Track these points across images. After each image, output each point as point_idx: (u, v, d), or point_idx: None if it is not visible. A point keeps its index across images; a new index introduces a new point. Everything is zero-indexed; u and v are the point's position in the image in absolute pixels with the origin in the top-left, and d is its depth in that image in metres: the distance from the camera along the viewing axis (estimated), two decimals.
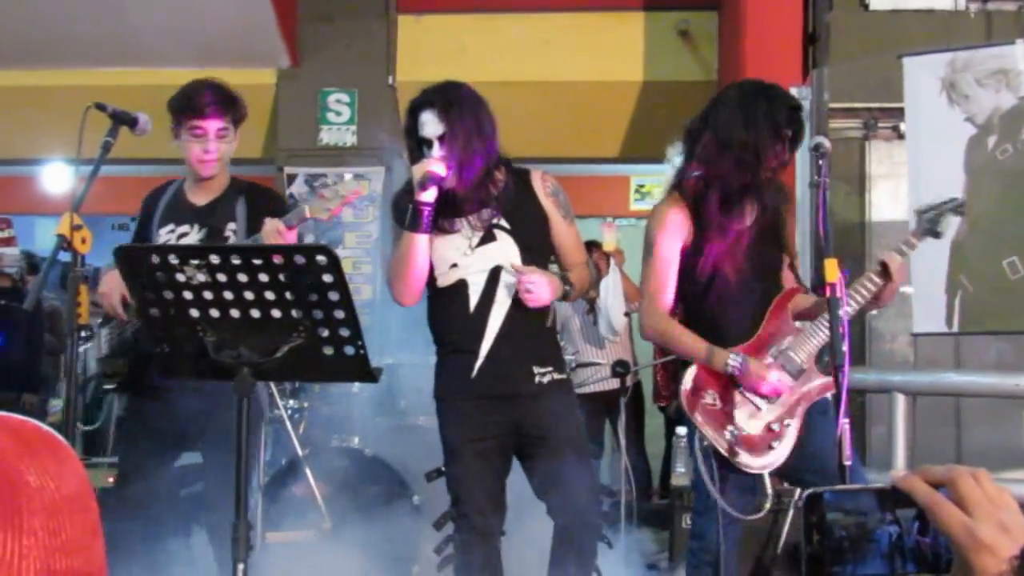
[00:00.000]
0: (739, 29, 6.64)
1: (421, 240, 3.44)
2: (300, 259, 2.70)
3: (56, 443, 0.90)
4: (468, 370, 3.46)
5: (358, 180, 8.12)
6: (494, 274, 3.47)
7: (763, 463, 3.38)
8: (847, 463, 2.92)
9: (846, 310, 3.24)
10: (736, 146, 3.41)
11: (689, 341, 3.44)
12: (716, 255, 3.42)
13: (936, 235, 3.44)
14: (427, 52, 8.11)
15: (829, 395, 3.42)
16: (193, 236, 3.76)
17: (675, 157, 3.48)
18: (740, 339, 3.42)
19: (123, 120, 3.51)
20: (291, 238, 3.52)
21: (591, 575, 3.51)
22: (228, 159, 3.81)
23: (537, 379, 3.47)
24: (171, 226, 3.80)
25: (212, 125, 3.70)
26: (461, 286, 3.49)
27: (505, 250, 3.48)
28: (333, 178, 3.65)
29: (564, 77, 8.05)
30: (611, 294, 7.18)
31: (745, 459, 3.37)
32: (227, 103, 3.75)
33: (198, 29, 7.54)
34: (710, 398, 3.42)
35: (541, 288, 3.41)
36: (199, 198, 3.83)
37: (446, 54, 7.89)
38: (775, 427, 3.39)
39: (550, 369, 3.50)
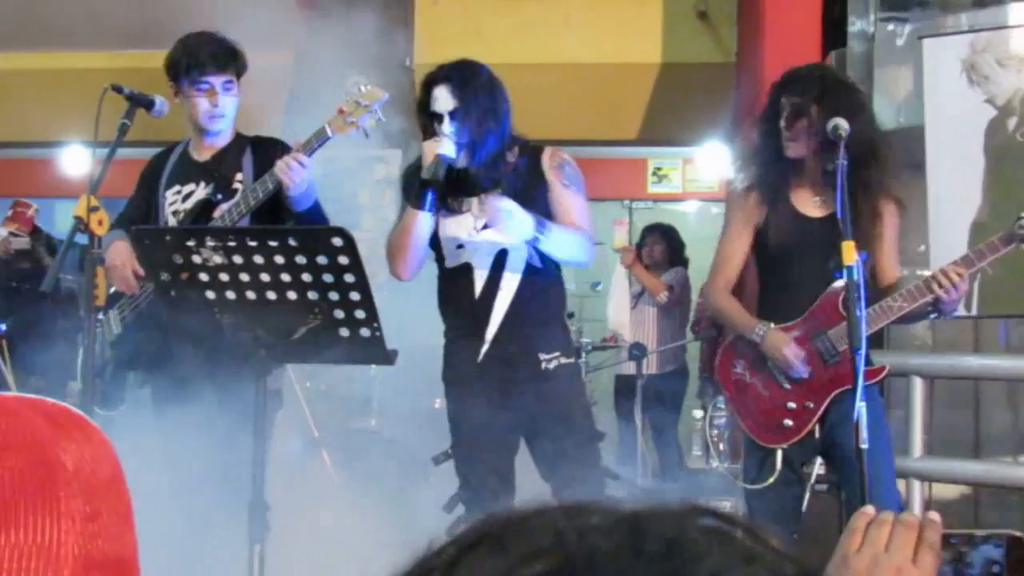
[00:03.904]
0: (758, 10, 6.59)
1: (423, 217, 3.43)
2: (316, 241, 2.71)
3: (89, 427, 0.88)
4: (475, 354, 3.45)
5: (376, 161, 8.12)
6: (499, 259, 3.45)
7: (771, 438, 3.42)
8: (864, 446, 2.92)
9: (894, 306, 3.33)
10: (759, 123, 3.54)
11: (737, 314, 3.54)
12: (775, 238, 3.48)
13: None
14: (445, 34, 8.06)
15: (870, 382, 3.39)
16: (200, 193, 3.71)
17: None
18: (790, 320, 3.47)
19: (140, 102, 3.51)
20: (310, 165, 3.45)
21: None
22: (235, 114, 3.75)
23: (543, 365, 3.46)
24: (177, 187, 3.75)
25: (217, 79, 3.65)
26: (467, 270, 3.46)
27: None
28: (349, 86, 3.53)
29: (582, 59, 8.00)
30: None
31: (756, 431, 3.44)
32: (230, 54, 3.70)
33: (215, 10, 7.52)
34: (740, 368, 3.50)
35: (507, 215, 3.20)
36: (204, 155, 3.78)
37: (464, 36, 7.84)
38: (791, 405, 3.40)
39: (557, 354, 3.47)
